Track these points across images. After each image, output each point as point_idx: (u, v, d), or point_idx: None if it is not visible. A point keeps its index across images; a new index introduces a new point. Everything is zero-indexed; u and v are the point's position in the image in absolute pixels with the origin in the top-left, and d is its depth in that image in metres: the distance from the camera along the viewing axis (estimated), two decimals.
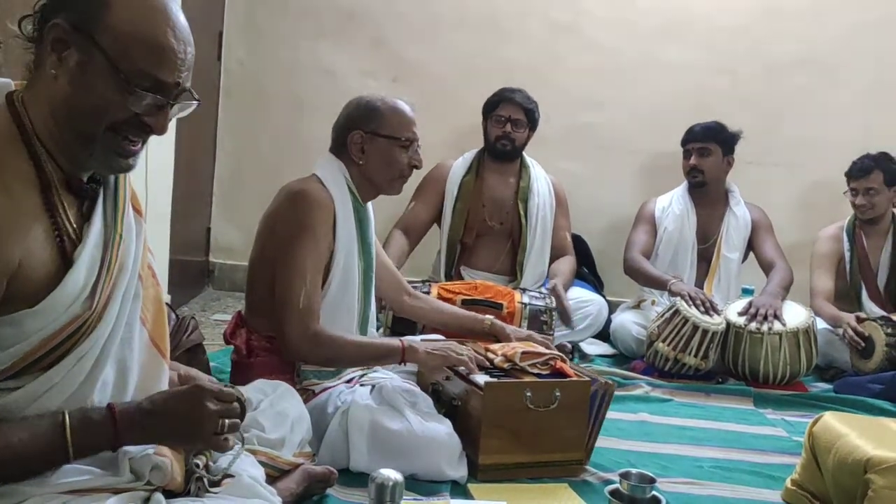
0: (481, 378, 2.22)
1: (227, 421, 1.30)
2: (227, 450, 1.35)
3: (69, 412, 1.23)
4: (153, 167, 2.96)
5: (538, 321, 3.09)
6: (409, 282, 2.80)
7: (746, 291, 3.64)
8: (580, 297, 3.70)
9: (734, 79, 4.29)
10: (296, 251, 2.17)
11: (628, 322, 3.69)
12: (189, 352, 2.32)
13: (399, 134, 2.31)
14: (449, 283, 3.37)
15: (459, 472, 2.14)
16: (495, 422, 2.17)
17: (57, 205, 1.26)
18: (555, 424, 2.21)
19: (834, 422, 2.09)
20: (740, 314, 3.47)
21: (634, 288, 3.95)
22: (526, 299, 3.18)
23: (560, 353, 2.41)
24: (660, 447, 2.59)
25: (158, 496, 1.32)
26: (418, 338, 2.53)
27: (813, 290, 3.78)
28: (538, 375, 2.29)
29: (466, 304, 3.02)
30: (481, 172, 3.81)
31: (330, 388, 2.24)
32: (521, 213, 3.75)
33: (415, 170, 2.38)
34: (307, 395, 2.20)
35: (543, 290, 3.44)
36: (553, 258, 3.81)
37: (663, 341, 3.38)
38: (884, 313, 3.56)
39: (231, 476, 1.44)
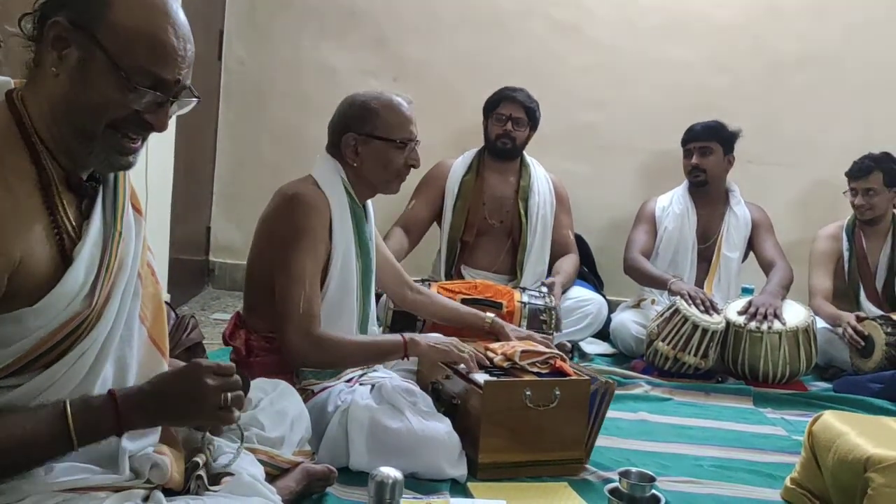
0: (481, 377, 2.22)
1: (229, 394, 1.29)
2: (232, 422, 1.33)
3: (70, 401, 1.23)
4: (153, 166, 2.96)
5: (537, 320, 3.09)
6: None
7: (746, 291, 3.64)
8: (580, 296, 3.70)
9: (735, 78, 4.29)
10: (293, 257, 2.16)
11: (628, 321, 3.69)
12: (189, 351, 2.33)
13: (394, 136, 2.27)
14: (449, 282, 3.38)
15: (459, 470, 2.14)
16: (495, 420, 2.17)
17: (57, 203, 1.26)
18: (554, 423, 2.22)
19: (833, 421, 2.09)
20: (740, 313, 3.47)
21: (634, 287, 3.95)
22: (525, 298, 3.18)
23: (560, 352, 2.42)
24: (659, 446, 2.59)
25: (158, 494, 1.32)
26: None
27: (812, 290, 3.78)
28: (538, 374, 2.30)
29: (466, 303, 3.01)
30: (482, 171, 3.81)
31: (329, 387, 2.24)
32: (522, 211, 3.75)
33: (413, 169, 2.35)
34: (306, 394, 2.20)
35: (543, 289, 3.44)
36: (556, 256, 3.81)
37: (663, 340, 3.38)
38: (882, 313, 3.56)
39: (231, 474, 1.45)
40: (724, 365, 3.48)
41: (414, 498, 1.98)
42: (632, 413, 2.89)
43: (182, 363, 1.50)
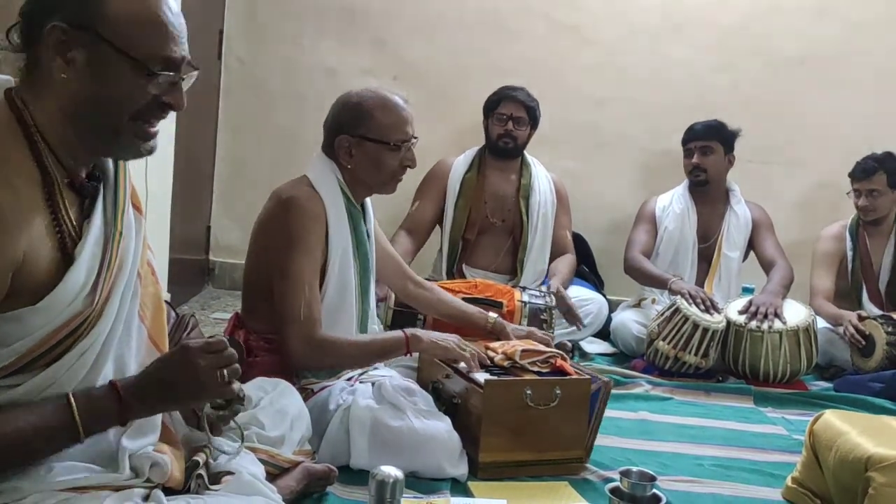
0: (481, 376, 2.22)
1: (225, 370, 1.30)
2: (232, 395, 1.34)
3: (73, 393, 1.23)
4: (153, 166, 2.94)
5: (538, 319, 3.09)
6: None
7: (747, 290, 3.64)
8: (580, 295, 3.70)
9: (735, 77, 4.29)
10: (291, 262, 2.15)
11: (628, 321, 3.69)
12: None
13: (388, 138, 2.25)
14: (449, 281, 3.37)
15: (459, 469, 2.13)
16: (495, 420, 2.16)
17: (59, 202, 1.26)
18: (555, 422, 2.21)
19: (834, 420, 2.08)
20: (741, 313, 3.47)
21: (635, 287, 3.95)
22: (526, 297, 3.17)
23: (560, 352, 2.41)
24: (660, 445, 2.59)
25: (158, 493, 1.32)
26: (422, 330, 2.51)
27: (813, 289, 3.78)
28: (538, 373, 2.30)
29: (466, 302, 3.02)
30: (483, 170, 3.81)
31: (329, 386, 2.23)
32: (523, 210, 3.75)
33: (410, 169, 2.33)
34: (306, 393, 2.19)
35: (543, 288, 3.44)
36: (553, 256, 3.81)
37: (664, 340, 3.38)
38: (884, 312, 3.56)
39: (231, 473, 1.44)
40: (725, 364, 3.47)
41: (414, 497, 1.98)
42: (632, 412, 2.89)
43: None
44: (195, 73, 1.33)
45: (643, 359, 3.51)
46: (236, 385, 1.33)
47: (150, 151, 1.33)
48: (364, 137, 2.25)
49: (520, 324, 2.97)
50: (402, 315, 2.87)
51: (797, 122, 4.29)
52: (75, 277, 1.25)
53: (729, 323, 3.43)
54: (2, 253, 1.16)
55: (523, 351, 2.34)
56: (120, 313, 1.32)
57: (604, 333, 3.78)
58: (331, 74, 4.30)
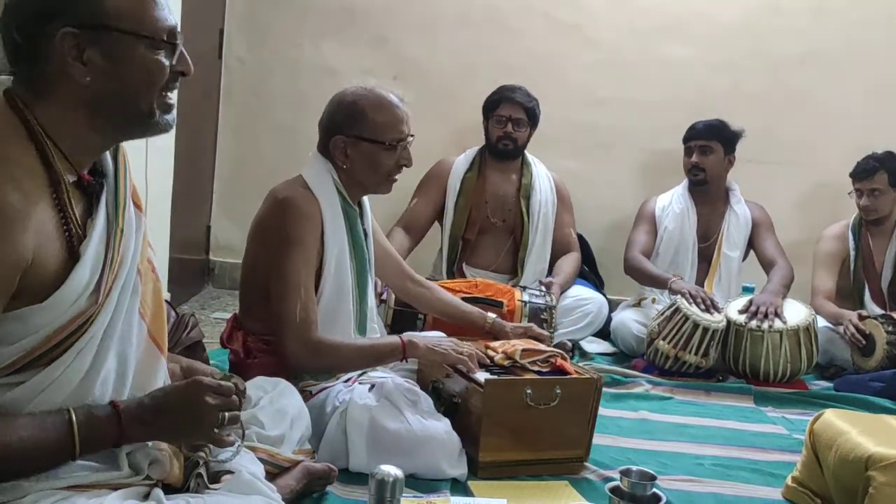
0: (481, 375, 2.22)
1: (226, 414, 1.31)
2: (226, 445, 1.35)
3: (74, 410, 1.24)
4: (153, 166, 2.95)
5: (538, 319, 3.09)
6: None
7: (747, 289, 3.63)
8: (580, 294, 3.70)
9: (735, 77, 4.29)
10: (287, 264, 2.14)
11: (629, 320, 3.68)
12: (189, 349, 2.32)
13: (383, 138, 2.23)
14: (449, 281, 3.37)
15: (459, 470, 2.13)
16: (495, 419, 2.16)
17: (66, 200, 1.26)
18: (555, 422, 2.21)
19: (835, 419, 2.08)
20: (741, 312, 3.46)
21: (635, 286, 3.95)
22: (526, 297, 3.17)
23: (560, 351, 2.41)
24: (660, 445, 2.59)
25: (158, 492, 1.32)
26: (419, 334, 2.51)
27: (814, 289, 3.78)
28: (538, 373, 2.29)
29: (466, 302, 3.02)
30: (483, 169, 3.81)
31: (328, 387, 2.23)
32: (523, 210, 3.75)
33: (406, 168, 2.31)
34: (305, 395, 2.18)
35: (543, 286, 3.44)
36: (558, 255, 3.81)
37: (664, 339, 3.37)
38: (886, 312, 3.56)
39: (231, 472, 1.44)
40: (725, 364, 3.47)
41: (415, 496, 1.98)
42: (632, 412, 2.89)
43: (184, 358, 1.50)
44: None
45: (643, 358, 3.51)
46: (232, 436, 1.36)
47: (173, 123, 1.36)
48: (359, 137, 2.23)
49: (520, 323, 2.97)
50: (403, 314, 2.88)
51: (798, 122, 4.29)
52: (80, 275, 1.25)
53: (729, 322, 3.43)
54: (13, 253, 1.17)
55: (523, 350, 2.34)
56: (119, 310, 1.31)
57: (604, 333, 3.77)
58: (331, 74, 4.29)
